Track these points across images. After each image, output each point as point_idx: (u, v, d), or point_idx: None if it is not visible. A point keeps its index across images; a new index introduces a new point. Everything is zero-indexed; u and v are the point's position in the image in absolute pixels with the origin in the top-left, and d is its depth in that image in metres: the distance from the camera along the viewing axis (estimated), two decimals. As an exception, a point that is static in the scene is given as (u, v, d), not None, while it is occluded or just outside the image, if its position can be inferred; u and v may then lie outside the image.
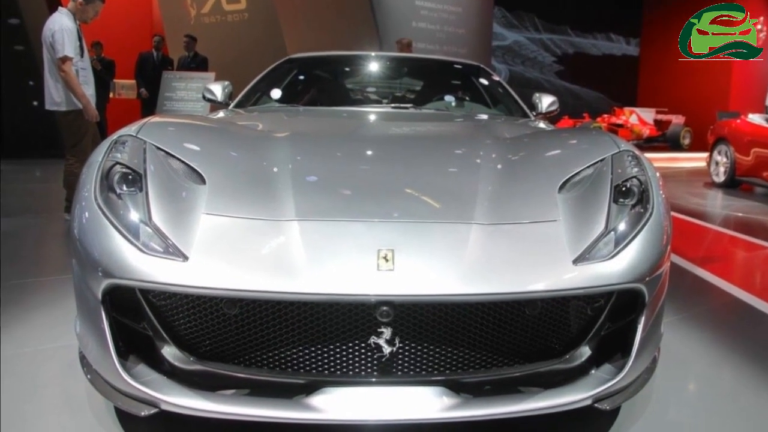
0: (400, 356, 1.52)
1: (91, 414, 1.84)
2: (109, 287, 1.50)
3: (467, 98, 3.76)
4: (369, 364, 1.53)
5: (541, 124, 3.04)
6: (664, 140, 17.42)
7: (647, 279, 1.61)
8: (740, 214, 6.32)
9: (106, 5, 4.83)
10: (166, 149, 1.83)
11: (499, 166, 1.98)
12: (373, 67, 3.90)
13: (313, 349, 1.52)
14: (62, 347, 2.30)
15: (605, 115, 17.56)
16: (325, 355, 1.52)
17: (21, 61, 9.69)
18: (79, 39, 4.58)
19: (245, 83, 3.58)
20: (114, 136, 1.87)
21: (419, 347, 1.53)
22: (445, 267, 1.49)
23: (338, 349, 1.52)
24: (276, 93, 3.44)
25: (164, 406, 1.49)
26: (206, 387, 1.52)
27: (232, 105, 3.33)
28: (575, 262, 1.56)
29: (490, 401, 1.51)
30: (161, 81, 9.17)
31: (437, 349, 1.53)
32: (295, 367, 1.54)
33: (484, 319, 1.53)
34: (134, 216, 1.58)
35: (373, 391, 1.51)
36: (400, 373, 1.54)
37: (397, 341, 1.50)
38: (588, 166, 1.91)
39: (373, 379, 1.53)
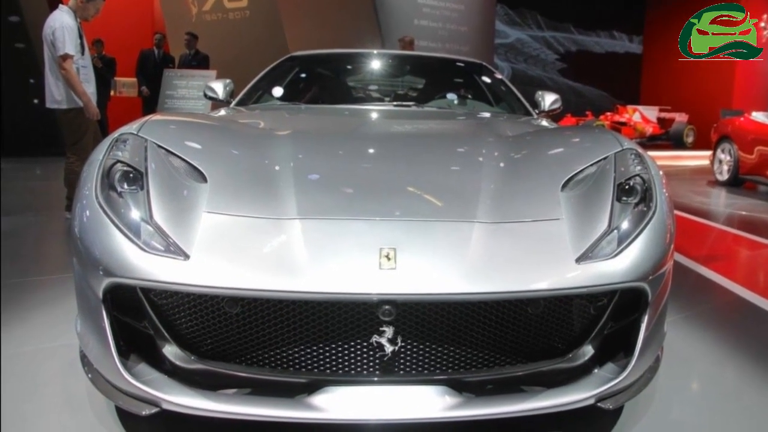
0: (402, 355, 1.52)
1: (92, 413, 1.84)
2: (110, 286, 1.50)
3: (470, 96, 3.75)
4: (371, 364, 1.52)
5: (544, 122, 3.03)
6: (667, 138, 17.41)
7: (650, 278, 1.60)
8: (744, 213, 6.30)
9: (107, 3, 4.82)
10: (167, 147, 1.82)
11: (502, 165, 1.97)
12: (376, 64, 3.89)
13: (314, 348, 1.52)
14: (63, 346, 2.30)
15: (608, 113, 17.56)
16: (327, 354, 1.52)
17: (21, 58, 9.68)
18: (80, 37, 4.58)
19: (247, 81, 3.57)
20: (115, 134, 1.86)
21: (421, 346, 1.52)
22: (448, 265, 1.48)
23: (340, 348, 1.51)
24: (278, 91, 3.43)
25: (165, 406, 1.49)
26: (207, 386, 1.52)
27: (233, 103, 3.32)
28: (578, 260, 1.55)
29: (492, 400, 1.51)
30: (162, 79, 9.15)
31: (439, 348, 1.53)
32: (297, 367, 1.53)
33: (487, 317, 1.52)
34: (135, 214, 1.57)
35: (375, 391, 1.51)
36: (402, 372, 1.53)
37: (399, 340, 1.49)
38: (591, 165, 1.90)
39: (375, 379, 1.52)
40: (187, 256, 1.48)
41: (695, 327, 2.75)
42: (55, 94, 4.54)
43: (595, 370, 1.62)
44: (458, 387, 1.52)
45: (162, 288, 1.48)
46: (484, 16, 14.04)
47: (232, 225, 1.59)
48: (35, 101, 9.19)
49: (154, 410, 1.51)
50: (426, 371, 1.54)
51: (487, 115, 3.22)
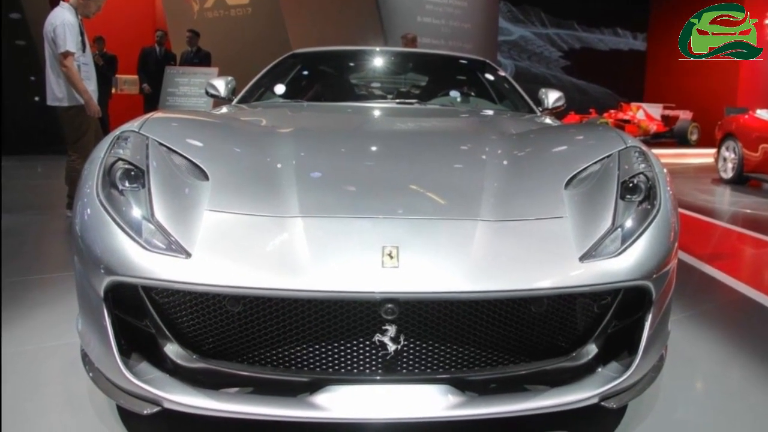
0: (404, 354, 1.51)
1: (93, 412, 1.83)
2: (111, 284, 1.49)
3: (473, 94, 3.73)
4: (374, 362, 1.51)
5: (548, 120, 3.02)
6: (671, 136, 17.36)
7: (654, 276, 1.59)
8: (748, 211, 6.28)
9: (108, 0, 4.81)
10: (168, 145, 1.82)
11: (505, 162, 1.96)
12: (378, 62, 3.87)
13: (317, 346, 1.51)
14: (64, 345, 2.30)
15: (612, 111, 17.52)
16: (330, 352, 1.51)
17: (22, 56, 9.67)
18: (81, 34, 4.56)
19: (248, 79, 3.56)
20: (116, 132, 1.85)
21: (424, 345, 1.51)
22: (451, 264, 1.47)
23: (342, 347, 1.50)
24: (280, 88, 3.42)
25: (167, 405, 1.48)
26: (209, 385, 1.51)
27: (235, 100, 3.32)
28: (582, 259, 1.54)
29: (495, 399, 1.50)
30: (164, 76, 9.14)
31: (442, 347, 1.52)
32: (299, 365, 1.52)
33: (490, 316, 1.51)
34: (137, 212, 1.57)
35: (377, 389, 1.50)
36: (404, 371, 1.52)
37: (401, 339, 1.48)
38: (594, 162, 1.89)
39: (378, 377, 1.51)
40: (188, 255, 1.47)
41: (699, 326, 2.74)
42: (56, 92, 4.53)
43: (599, 369, 1.61)
44: (461, 386, 1.51)
45: (163, 286, 1.47)
46: (488, 13, 14.02)
47: (234, 223, 1.58)
48: (36, 99, 9.21)
49: (156, 409, 1.51)
50: (429, 370, 1.53)
51: (490, 112, 3.20)
